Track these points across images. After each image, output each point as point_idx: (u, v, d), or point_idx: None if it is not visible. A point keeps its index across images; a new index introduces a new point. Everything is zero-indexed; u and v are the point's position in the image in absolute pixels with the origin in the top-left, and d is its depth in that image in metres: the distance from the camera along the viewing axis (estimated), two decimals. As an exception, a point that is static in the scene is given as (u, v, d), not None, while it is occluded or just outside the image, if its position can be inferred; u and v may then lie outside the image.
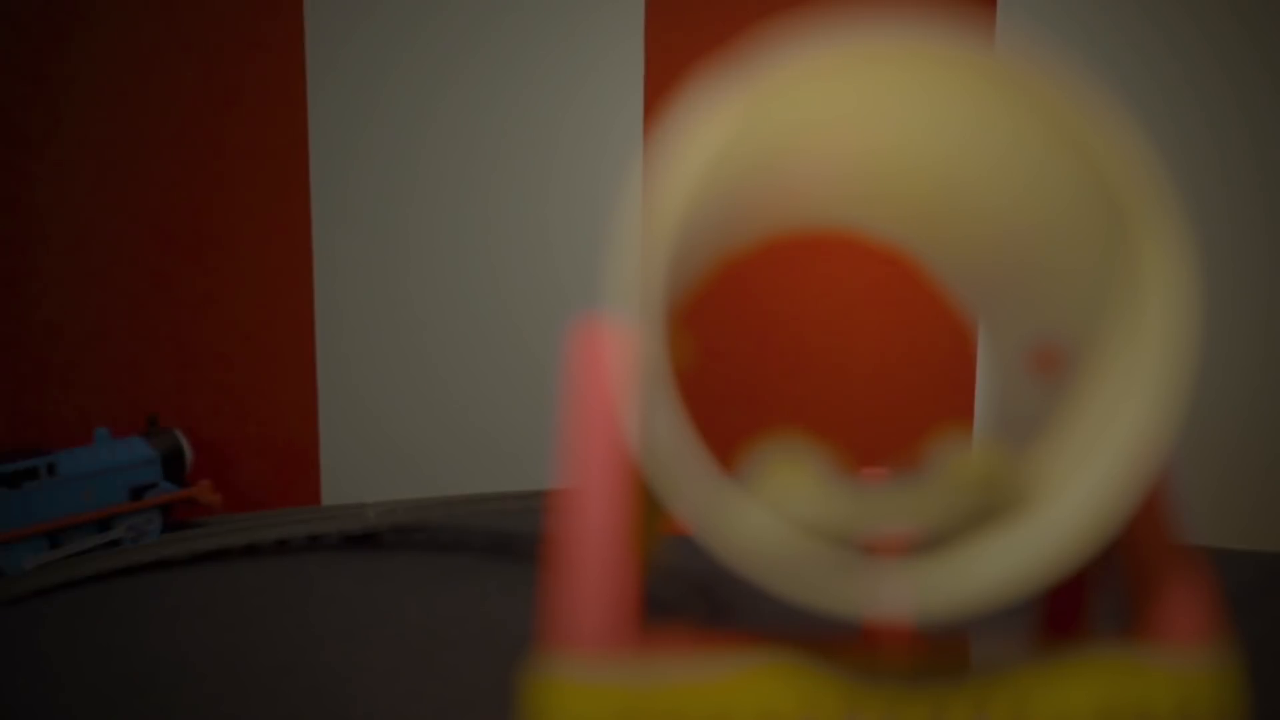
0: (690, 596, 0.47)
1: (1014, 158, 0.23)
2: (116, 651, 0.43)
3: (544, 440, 0.64)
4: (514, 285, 0.67)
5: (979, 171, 0.24)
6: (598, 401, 0.23)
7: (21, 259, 0.63)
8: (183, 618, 0.47)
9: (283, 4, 0.65)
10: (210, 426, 0.66)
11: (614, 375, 0.23)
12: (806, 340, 0.65)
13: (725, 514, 0.21)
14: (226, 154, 0.65)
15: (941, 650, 0.23)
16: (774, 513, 0.22)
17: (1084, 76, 0.21)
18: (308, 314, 0.67)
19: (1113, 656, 0.22)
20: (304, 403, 0.66)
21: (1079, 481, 0.21)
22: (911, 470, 0.25)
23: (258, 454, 0.66)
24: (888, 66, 0.21)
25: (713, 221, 0.26)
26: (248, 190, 0.65)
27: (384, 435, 0.67)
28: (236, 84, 0.64)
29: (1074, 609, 0.26)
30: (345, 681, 0.40)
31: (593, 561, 0.22)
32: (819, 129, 0.24)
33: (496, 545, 0.59)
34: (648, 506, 0.26)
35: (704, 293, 0.33)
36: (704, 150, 0.21)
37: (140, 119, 0.63)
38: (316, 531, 0.58)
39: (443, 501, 0.59)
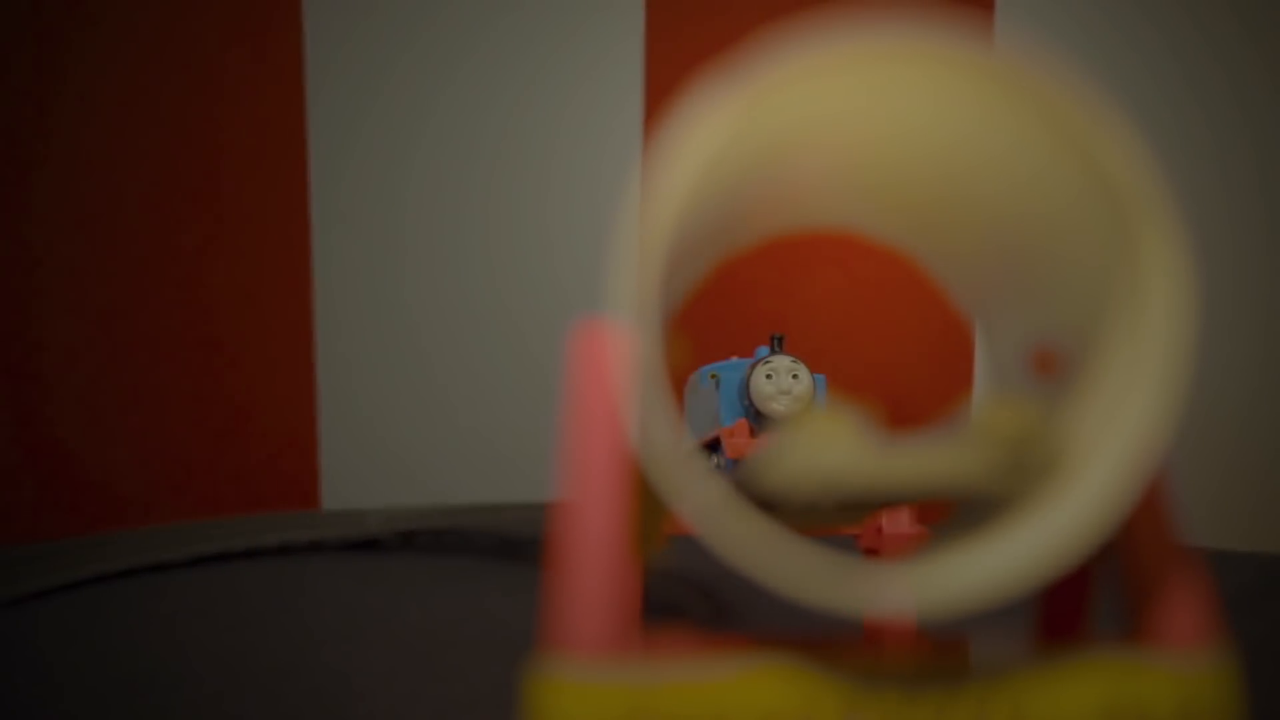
0: (692, 597, 0.47)
1: (1015, 157, 0.23)
2: (116, 653, 0.43)
3: (545, 444, 0.64)
4: (514, 288, 0.67)
5: (979, 171, 0.24)
6: (598, 403, 0.23)
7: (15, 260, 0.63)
8: (182, 620, 0.47)
9: (281, 4, 0.65)
10: (207, 429, 0.66)
11: (615, 377, 0.23)
12: (804, 340, 0.65)
13: (725, 514, 0.21)
14: (224, 154, 0.65)
15: (943, 651, 0.23)
16: (775, 513, 0.22)
17: (1083, 78, 0.21)
18: (307, 317, 0.67)
19: (1113, 658, 0.22)
20: (303, 407, 0.66)
21: (1079, 482, 0.21)
22: (944, 429, 0.25)
23: (257, 456, 0.66)
24: (887, 65, 0.21)
25: (710, 222, 0.26)
26: (245, 191, 0.65)
27: (383, 440, 0.67)
28: (235, 85, 0.65)
29: (1074, 610, 0.26)
30: (345, 683, 0.40)
31: (593, 562, 0.22)
32: (817, 129, 0.24)
33: (497, 547, 0.59)
34: (649, 507, 0.26)
35: (702, 293, 0.33)
36: (699, 151, 0.21)
37: (137, 118, 0.63)
38: (315, 538, 0.58)
39: (443, 511, 0.59)
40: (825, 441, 0.22)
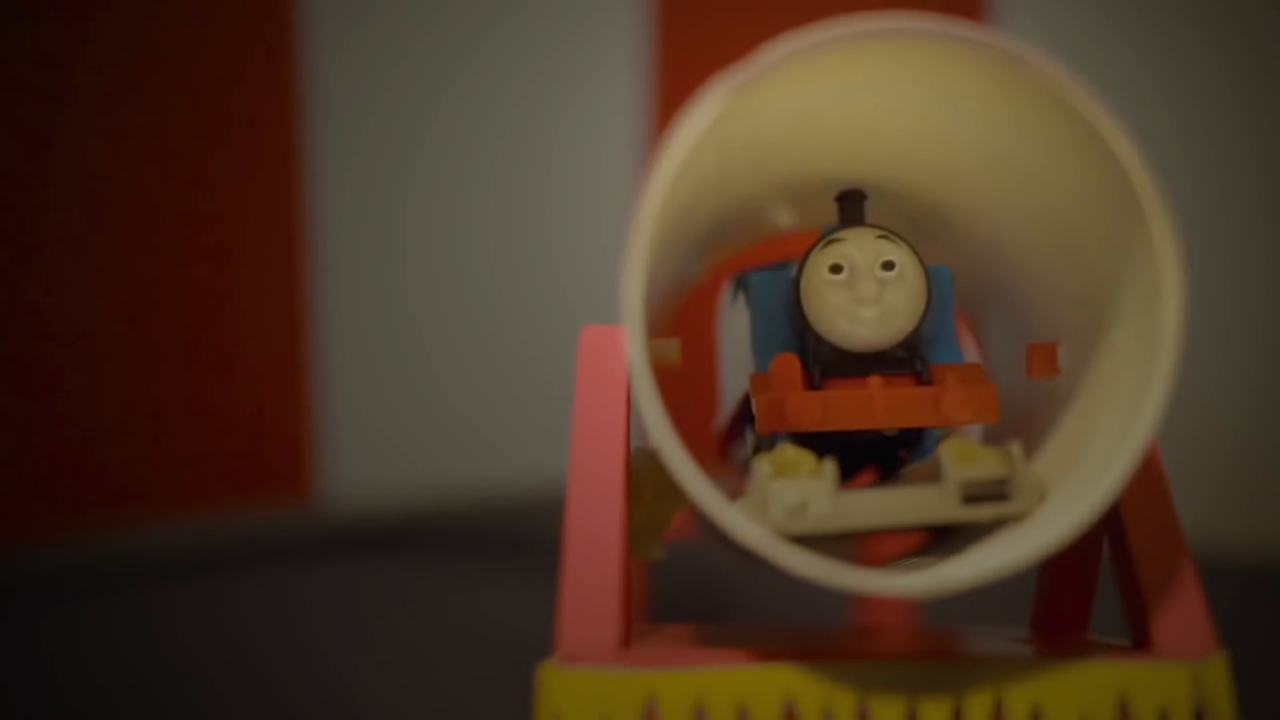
0: (692, 596, 0.47)
1: (1019, 156, 0.23)
2: (119, 653, 0.43)
3: (547, 437, 0.64)
4: (514, 281, 0.67)
5: (982, 171, 0.24)
6: (605, 405, 0.23)
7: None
8: (184, 619, 0.47)
9: (280, 10, 0.65)
10: (206, 424, 0.66)
11: (622, 380, 0.24)
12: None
13: (730, 510, 0.21)
14: (225, 154, 0.65)
15: (950, 646, 0.23)
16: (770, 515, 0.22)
17: (1086, 80, 0.21)
18: (308, 313, 0.67)
19: (1117, 658, 0.22)
20: (303, 401, 0.66)
21: (1077, 480, 0.21)
22: (912, 471, 0.25)
23: (256, 451, 0.66)
24: (886, 57, 0.21)
25: (703, 221, 0.26)
26: (246, 191, 0.65)
27: (384, 435, 0.67)
28: (236, 90, 0.65)
29: (1075, 609, 0.26)
30: (347, 682, 0.40)
31: (596, 559, 0.22)
32: (811, 123, 0.23)
33: (499, 544, 0.59)
34: (651, 505, 0.26)
35: (698, 295, 0.33)
36: (685, 147, 0.20)
37: (141, 119, 0.63)
38: (316, 536, 0.58)
39: (444, 506, 0.59)
40: (789, 493, 0.21)
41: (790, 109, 0.22)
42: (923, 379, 0.23)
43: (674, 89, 0.63)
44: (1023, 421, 0.25)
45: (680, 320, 0.30)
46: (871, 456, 0.25)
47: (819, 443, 0.22)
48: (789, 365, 0.22)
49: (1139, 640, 0.22)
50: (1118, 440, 0.20)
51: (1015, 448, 0.22)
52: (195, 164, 0.65)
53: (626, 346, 0.21)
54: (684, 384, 0.26)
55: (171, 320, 0.65)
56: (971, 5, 0.61)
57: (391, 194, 0.67)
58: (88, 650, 0.43)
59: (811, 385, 0.22)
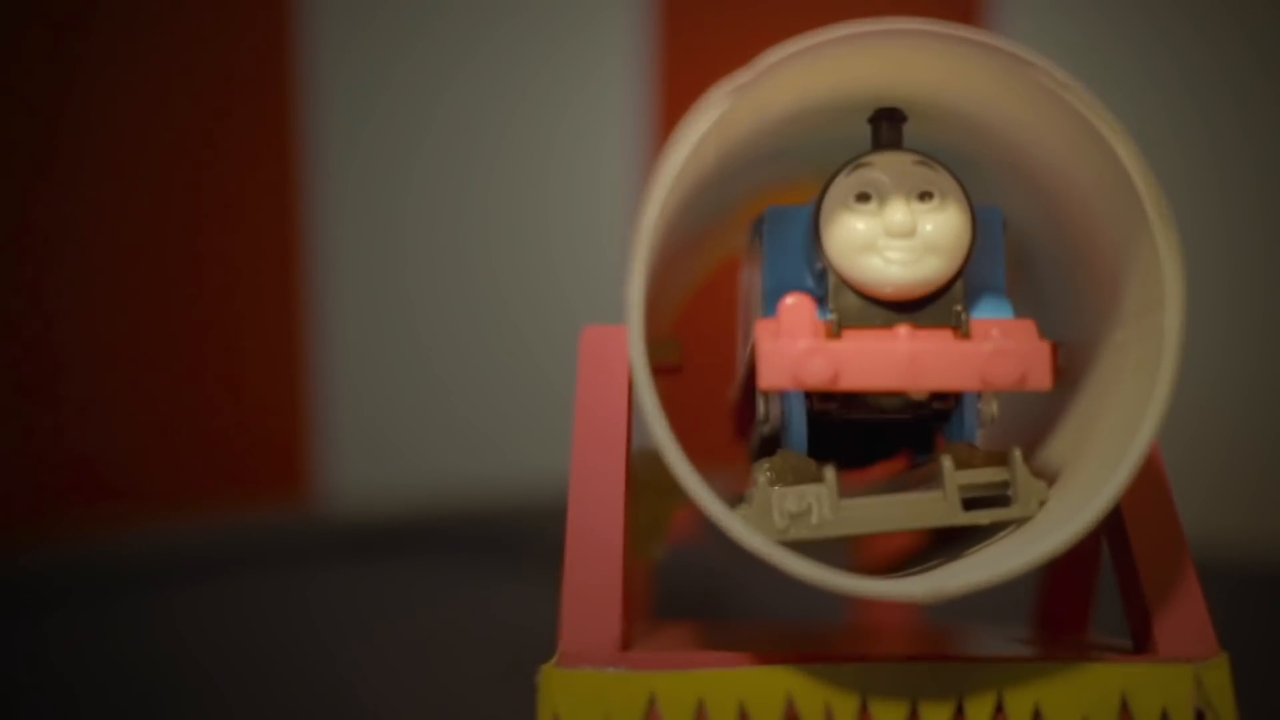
0: (692, 595, 0.47)
1: (1022, 155, 0.23)
2: (118, 653, 0.43)
3: (546, 437, 0.64)
4: (514, 281, 0.67)
5: (983, 170, 0.24)
6: (606, 405, 0.23)
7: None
8: (183, 619, 0.47)
9: (280, 10, 0.65)
10: (205, 422, 0.66)
11: (623, 374, 0.24)
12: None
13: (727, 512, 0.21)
14: (225, 157, 0.65)
15: (952, 646, 0.23)
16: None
17: (1088, 83, 0.21)
18: (308, 311, 0.67)
19: (1118, 658, 0.22)
20: (302, 400, 0.66)
21: (1079, 484, 0.22)
22: (913, 474, 0.25)
23: (256, 450, 0.66)
24: (887, 58, 0.21)
25: (702, 219, 0.26)
26: (246, 190, 0.66)
27: (385, 436, 0.67)
28: (235, 90, 0.65)
29: (1076, 609, 0.26)
30: (348, 683, 0.40)
31: (597, 560, 0.22)
32: (813, 125, 0.24)
33: (500, 544, 0.59)
34: (653, 505, 0.26)
35: (699, 295, 0.34)
36: (689, 149, 0.20)
37: (139, 120, 0.63)
38: (317, 539, 0.58)
39: (446, 506, 0.59)
40: (787, 494, 0.21)
41: (792, 109, 0.22)
42: (962, 334, 0.19)
43: (674, 89, 0.63)
44: (1022, 423, 0.25)
45: (682, 320, 0.30)
46: (903, 439, 0.24)
47: (840, 412, 0.22)
48: (800, 308, 0.18)
49: (1140, 641, 0.23)
50: (1120, 444, 0.20)
51: (1015, 451, 0.22)
52: (194, 163, 0.65)
53: (628, 346, 0.21)
54: (686, 383, 0.26)
55: (171, 320, 0.65)
56: (969, 6, 0.61)
57: (391, 193, 0.67)
58: (87, 650, 0.43)
59: (830, 331, 0.19)
